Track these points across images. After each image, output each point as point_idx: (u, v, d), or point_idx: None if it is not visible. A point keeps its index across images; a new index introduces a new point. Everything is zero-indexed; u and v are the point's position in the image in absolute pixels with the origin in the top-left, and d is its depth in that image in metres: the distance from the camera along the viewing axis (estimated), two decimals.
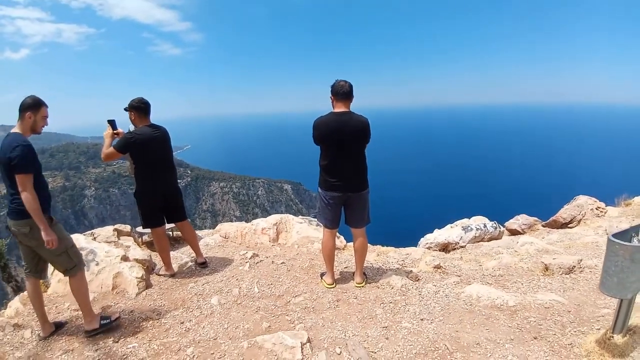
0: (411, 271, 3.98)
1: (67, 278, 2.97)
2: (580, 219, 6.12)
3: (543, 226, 6.32)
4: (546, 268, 3.86)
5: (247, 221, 5.98)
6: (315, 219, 5.61)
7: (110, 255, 4.03)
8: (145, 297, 3.65)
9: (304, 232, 5.30)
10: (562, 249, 4.65)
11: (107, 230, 4.94)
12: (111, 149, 3.62)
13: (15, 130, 2.74)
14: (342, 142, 3.31)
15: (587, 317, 2.83)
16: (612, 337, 2.26)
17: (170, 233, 5.34)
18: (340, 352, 2.62)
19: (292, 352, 2.55)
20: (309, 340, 2.70)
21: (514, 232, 6.21)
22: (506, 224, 6.42)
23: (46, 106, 2.82)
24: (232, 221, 6.75)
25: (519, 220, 6.35)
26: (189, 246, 4.48)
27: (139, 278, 3.78)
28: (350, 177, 3.41)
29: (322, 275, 3.91)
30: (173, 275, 4.09)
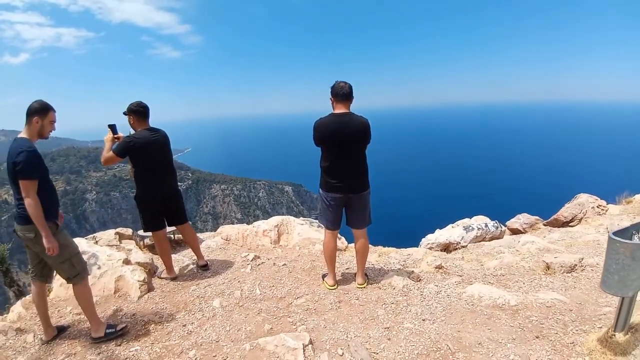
0: (413, 272, 3.98)
1: (68, 283, 2.98)
2: (582, 218, 6.13)
3: (544, 225, 6.32)
4: (548, 267, 3.86)
5: (248, 223, 5.99)
6: (317, 221, 5.62)
7: (112, 258, 4.03)
8: (148, 300, 3.65)
9: (305, 233, 5.30)
10: (563, 247, 4.65)
11: (109, 234, 4.95)
12: (110, 153, 3.62)
13: (22, 135, 2.73)
14: (342, 143, 3.31)
15: (589, 316, 2.83)
16: (614, 335, 2.26)
17: (172, 236, 5.35)
18: (343, 353, 2.62)
19: (294, 354, 2.55)
20: (311, 342, 2.70)
21: (515, 232, 6.21)
22: (507, 223, 6.42)
23: (54, 111, 2.81)
24: (233, 223, 6.76)
25: (520, 220, 6.35)
26: (190, 249, 4.49)
27: (141, 281, 3.78)
28: (351, 178, 3.41)
29: (323, 276, 3.91)
30: (175, 278, 4.09)
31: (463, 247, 5.48)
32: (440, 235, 5.72)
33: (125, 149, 3.62)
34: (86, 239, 4.65)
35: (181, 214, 4.15)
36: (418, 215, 61.51)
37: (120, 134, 3.77)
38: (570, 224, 6.11)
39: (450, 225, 6.13)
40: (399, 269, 4.15)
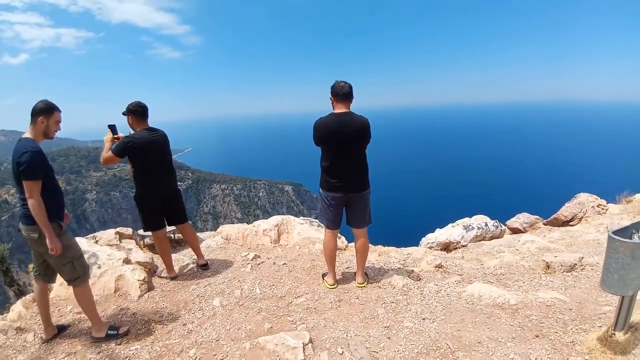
0: (413, 271, 3.98)
1: (68, 285, 2.97)
2: (582, 217, 6.13)
3: (544, 224, 6.32)
4: (548, 266, 3.86)
5: (248, 223, 5.99)
6: (317, 220, 5.62)
7: (112, 258, 4.04)
8: (148, 299, 3.65)
9: (305, 233, 5.30)
10: (563, 246, 4.65)
11: (109, 234, 4.95)
12: (109, 153, 3.62)
13: (27, 135, 2.72)
14: (342, 143, 3.31)
15: (589, 315, 2.83)
16: (614, 334, 2.26)
17: (172, 235, 5.36)
18: (342, 352, 2.62)
19: (294, 353, 2.55)
20: (310, 341, 2.70)
21: (515, 231, 6.21)
22: (507, 222, 6.42)
23: (59, 111, 2.80)
24: (233, 223, 6.76)
25: (520, 219, 6.35)
26: (190, 248, 4.49)
27: (141, 280, 3.78)
28: (351, 177, 3.41)
29: (323, 275, 3.91)
30: (175, 278, 4.10)
31: (463, 246, 5.48)
32: (440, 235, 5.72)
33: (124, 149, 3.62)
34: (86, 238, 4.66)
35: (181, 214, 4.15)
36: (418, 215, 61.50)
37: (120, 134, 3.76)
38: (570, 223, 6.11)
39: (450, 225, 6.13)
40: (399, 268, 4.15)
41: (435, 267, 4.11)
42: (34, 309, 3.53)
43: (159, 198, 3.87)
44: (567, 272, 3.73)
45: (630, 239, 2.06)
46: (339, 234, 4.55)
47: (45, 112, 2.72)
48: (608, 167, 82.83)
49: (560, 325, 2.72)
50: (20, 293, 5.52)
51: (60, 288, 3.78)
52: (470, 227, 5.73)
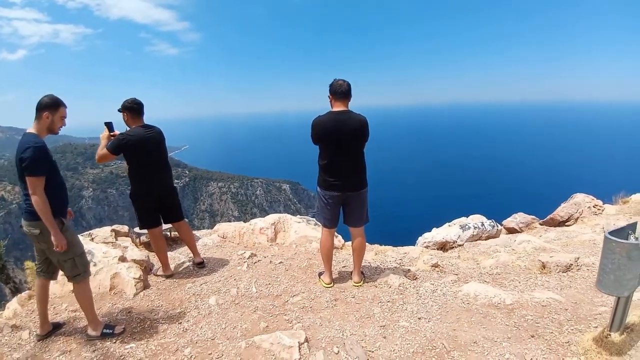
0: (409, 270, 3.99)
1: (69, 281, 2.96)
2: (578, 217, 6.14)
3: (540, 224, 6.34)
4: (543, 266, 3.87)
5: (245, 221, 5.97)
6: (313, 219, 5.61)
7: (108, 256, 4.02)
8: (143, 297, 3.64)
9: (302, 231, 5.29)
10: (559, 247, 4.66)
11: (105, 231, 4.93)
12: (104, 150, 3.60)
13: (31, 130, 2.69)
14: (340, 141, 3.30)
15: (585, 315, 2.84)
16: (610, 335, 2.26)
17: (168, 233, 5.34)
18: (338, 351, 2.62)
19: (290, 352, 2.54)
20: (306, 340, 2.69)
21: (511, 231, 6.23)
22: (504, 222, 6.43)
23: (65, 106, 2.77)
24: (230, 221, 6.74)
25: (517, 219, 6.36)
26: (186, 246, 4.47)
27: (136, 279, 3.77)
28: (349, 176, 3.40)
29: (320, 274, 3.91)
30: (170, 276, 4.08)
31: (459, 245, 5.49)
32: (437, 234, 5.72)
33: (119, 146, 3.59)
34: (82, 236, 4.63)
35: (177, 211, 4.13)
36: (415, 214, 61.59)
37: (117, 131, 3.74)
38: (566, 224, 6.13)
39: (446, 224, 6.14)
40: (396, 267, 4.15)
41: (432, 266, 4.11)
42: (30, 307, 3.51)
43: (154, 195, 3.85)
44: (563, 272, 3.74)
45: (627, 239, 2.06)
46: (335, 233, 4.55)
47: (50, 107, 2.69)
48: (608, 168, 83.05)
49: (556, 326, 2.73)
50: (16, 290, 5.49)
51: (56, 286, 3.75)
52: (467, 226, 5.74)
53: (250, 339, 2.72)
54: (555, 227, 6.12)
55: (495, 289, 3.35)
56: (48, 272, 2.98)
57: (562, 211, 6.27)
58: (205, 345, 2.81)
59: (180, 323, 3.14)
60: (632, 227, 2.13)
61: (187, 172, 77.48)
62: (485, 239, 5.70)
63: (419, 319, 3.00)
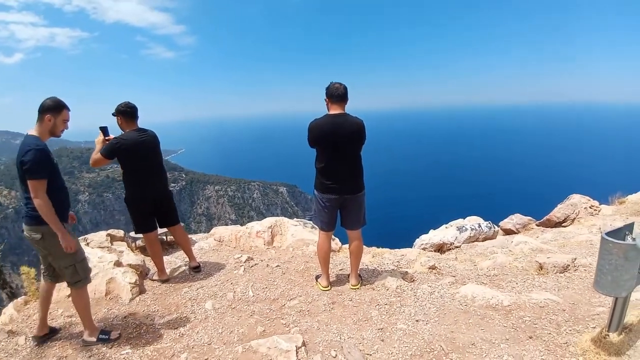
0: (406, 272, 3.98)
1: (68, 287, 2.93)
2: (574, 218, 6.16)
3: (537, 225, 6.36)
4: (540, 267, 3.87)
5: (242, 224, 5.95)
6: (310, 222, 5.60)
7: (104, 260, 3.99)
8: (139, 302, 3.61)
9: (299, 234, 5.27)
10: (556, 247, 4.67)
11: (100, 236, 4.89)
12: (98, 154, 3.58)
13: (32, 132, 2.65)
14: (337, 144, 3.30)
15: (582, 316, 2.84)
16: (608, 335, 2.26)
17: (164, 238, 5.31)
18: (336, 355, 2.60)
19: (287, 356, 2.52)
20: (304, 344, 2.68)
21: (508, 232, 6.24)
22: (500, 223, 6.44)
23: (68, 109, 2.75)
24: (227, 225, 6.71)
25: (513, 220, 6.38)
26: (182, 251, 4.45)
27: (132, 283, 3.74)
28: (346, 179, 3.40)
29: (317, 277, 3.89)
30: (166, 280, 4.05)
31: (456, 247, 5.49)
32: (434, 236, 5.72)
33: (112, 150, 3.57)
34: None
35: (172, 215, 4.11)
36: (412, 216, 61.57)
37: (112, 136, 3.72)
38: (563, 224, 6.15)
39: (443, 226, 6.14)
40: (393, 269, 4.14)
41: (429, 268, 4.10)
42: (26, 312, 3.48)
43: (149, 200, 3.83)
44: (560, 273, 3.74)
45: (624, 240, 2.06)
46: (332, 236, 4.54)
47: (53, 109, 2.66)
48: (607, 168, 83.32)
49: (554, 327, 2.73)
50: (13, 296, 5.45)
51: None
52: (464, 228, 5.74)
53: (247, 344, 2.71)
54: (551, 228, 6.13)
55: (492, 290, 3.35)
56: (54, 275, 2.95)
57: (558, 212, 6.29)
58: (202, 350, 2.79)
59: (177, 328, 3.11)
60: (629, 227, 2.13)
61: (183, 175, 77.17)
62: (482, 241, 5.70)
63: (417, 321, 2.99)
